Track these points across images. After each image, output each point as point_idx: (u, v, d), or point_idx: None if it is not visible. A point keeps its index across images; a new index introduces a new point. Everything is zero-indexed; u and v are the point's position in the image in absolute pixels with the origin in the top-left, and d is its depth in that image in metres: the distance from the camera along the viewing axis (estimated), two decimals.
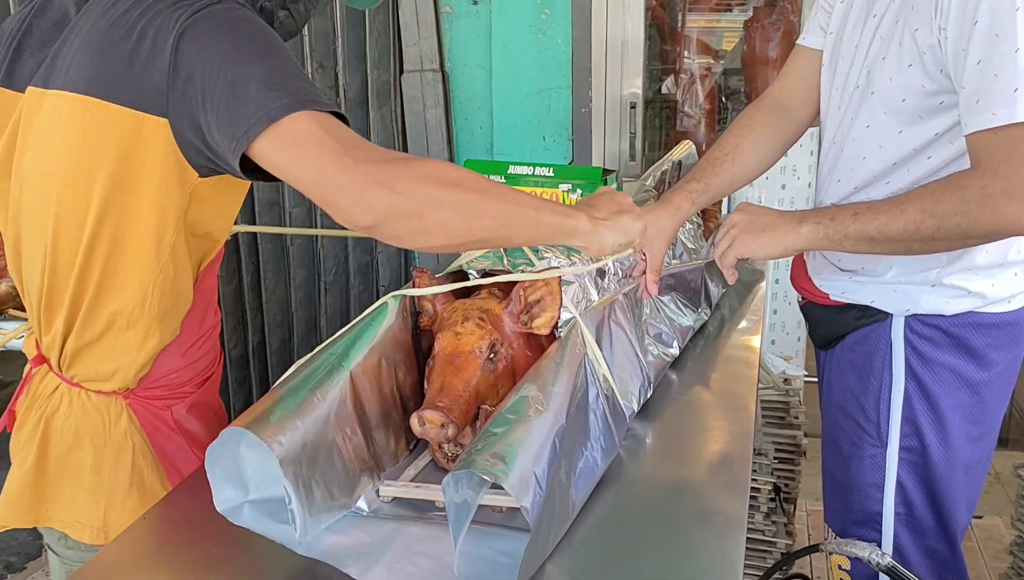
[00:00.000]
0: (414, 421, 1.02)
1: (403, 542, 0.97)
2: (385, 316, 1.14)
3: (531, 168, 2.41)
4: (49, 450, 1.24)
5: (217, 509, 0.94)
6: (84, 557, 1.26)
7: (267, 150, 0.97)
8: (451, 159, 2.98)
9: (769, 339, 2.98)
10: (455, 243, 1.00)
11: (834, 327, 1.54)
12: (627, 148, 3.08)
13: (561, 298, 1.13)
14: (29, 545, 2.82)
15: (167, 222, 1.12)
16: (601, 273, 1.29)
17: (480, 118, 3.00)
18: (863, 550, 1.30)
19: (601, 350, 1.19)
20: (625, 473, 1.15)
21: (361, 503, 1.01)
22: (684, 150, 1.90)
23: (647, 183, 1.73)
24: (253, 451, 0.92)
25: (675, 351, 1.45)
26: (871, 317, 1.46)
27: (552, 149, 2.93)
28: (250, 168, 1.01)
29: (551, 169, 2.40)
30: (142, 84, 1.03)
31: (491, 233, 1.01)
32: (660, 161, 1.84)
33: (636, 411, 1.24)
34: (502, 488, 0.85)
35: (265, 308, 3.11)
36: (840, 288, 1.50)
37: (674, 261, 1.57)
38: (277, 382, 1.02)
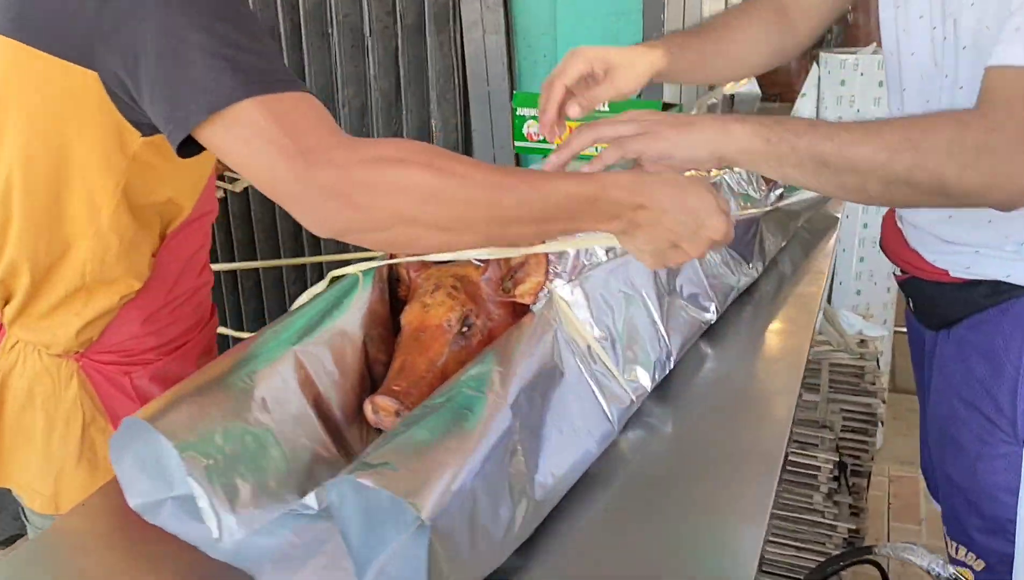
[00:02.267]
0: (367, 408, 0.88)
1: (337, 544, 0.82)
2: (361, 287, 0.99)
3: None
4: (5, 408, 1.16)
5: (130, 505, 0.82)
6: (47, 526, 1.18)
7: (212, 140, 0.82)
8: (511, 89, 2.79)
9: (854, 290, 2.72)
10: (433, 252, 0.95)
11: (955, 307, 1.26)
12: None
13: (548, 262, 0.95)
14: None
15: (105, 187, 0.98)
16: None
17: (544, 45, 2.79)
18: (922, 558, 1.10)
19: (609, 318, 1.02)
20: (628, 466, 0.98)
21: (311, 499, 0.87)
22: (742, 84, 1.66)
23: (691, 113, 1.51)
24: (150, 447, 0.79)
25: (711, 316, 1.24)
26: (1004, 294, 1.22)
27: None
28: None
29: (606, 104, 2.19)
30: (69, 29, 0.87)
31: (479, 241, 0.87)
32: (709, 93, 1.61)
33: (649, 390, 1.06)
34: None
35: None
36: (964, 262, 1.24)
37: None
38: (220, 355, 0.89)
